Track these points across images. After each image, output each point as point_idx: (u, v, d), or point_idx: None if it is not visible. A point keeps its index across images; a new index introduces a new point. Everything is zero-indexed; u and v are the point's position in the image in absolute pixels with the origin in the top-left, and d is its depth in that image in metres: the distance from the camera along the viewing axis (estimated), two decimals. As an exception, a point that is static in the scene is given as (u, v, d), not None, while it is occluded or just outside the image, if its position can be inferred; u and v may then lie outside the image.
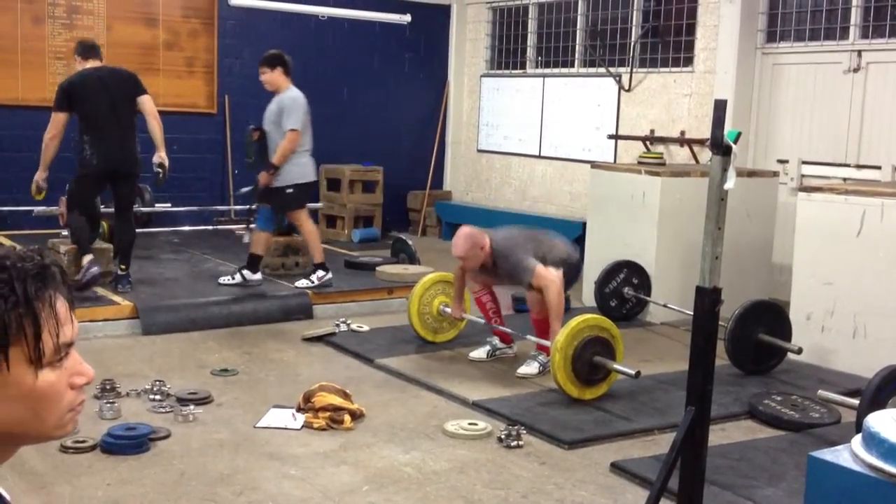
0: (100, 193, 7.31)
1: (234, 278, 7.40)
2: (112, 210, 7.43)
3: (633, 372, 5.09)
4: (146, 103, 7.00)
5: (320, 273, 7.41)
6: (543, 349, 5.78)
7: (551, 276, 5.54)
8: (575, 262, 5.94)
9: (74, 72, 7.10)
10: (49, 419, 1.28)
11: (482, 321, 6.14)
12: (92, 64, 7.02)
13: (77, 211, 7.02)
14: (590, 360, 5.15)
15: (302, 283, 7.39)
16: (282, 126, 7.10)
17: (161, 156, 7.01)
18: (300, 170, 7.23)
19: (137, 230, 8.97)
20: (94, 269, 6.80)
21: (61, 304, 1.28)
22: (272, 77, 7.31)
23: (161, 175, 7.06)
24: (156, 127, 7.01)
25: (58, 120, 6.83)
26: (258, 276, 7.44)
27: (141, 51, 10.10)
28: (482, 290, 6.04)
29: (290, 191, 7.21)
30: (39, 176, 7.11)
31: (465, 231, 5.78)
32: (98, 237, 7.53)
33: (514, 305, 7.15)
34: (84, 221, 7.05)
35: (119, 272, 7.05)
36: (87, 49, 7.11)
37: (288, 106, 7.14)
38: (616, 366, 5.19)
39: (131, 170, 7.02)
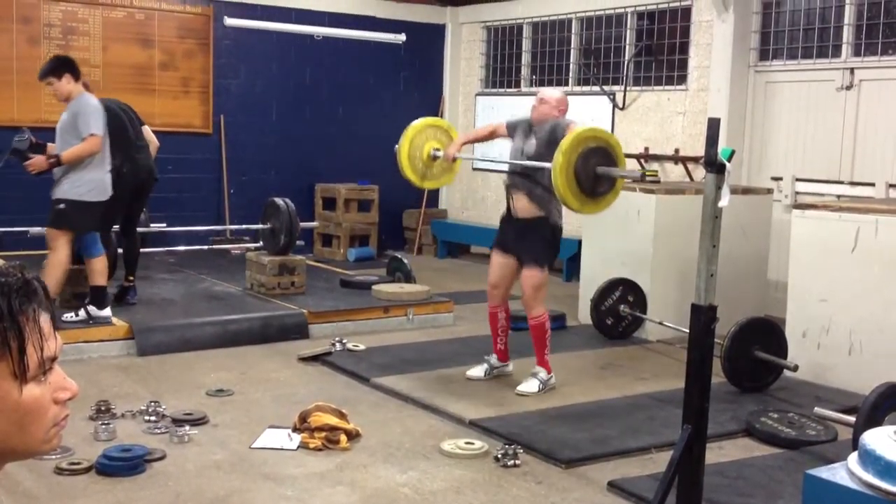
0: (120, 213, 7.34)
1: (77, 314, 6.54)
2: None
3: (637, 174, 5.04)
4: (148, 131, 7.53)
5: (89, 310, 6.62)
6: (543, 365, 5.78)
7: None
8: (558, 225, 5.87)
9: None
10: (34, 434, 1.28)
11: (477, 158, 6.02)
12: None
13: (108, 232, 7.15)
14: (592, 170, 5.04)
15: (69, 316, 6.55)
16: (79, 131, 6.31)
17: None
18: (83, 187, 6.39)
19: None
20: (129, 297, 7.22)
21: (44, 319, 1.29)
22: (61, 86, 6.38)
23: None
24: (153, 150, 7.60)
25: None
26: (106, 311, 6.63)
27: (136, 71, 10.13)
28: (500, 306, 6.00)
29: (61, 206, 6.37)
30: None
31: (558, 91, 5.90)
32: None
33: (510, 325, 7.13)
34: (115, 248, 7.34)
35: (125, 284, 7.28)
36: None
37: (83, 111, 6.34)
38: (621, 171, 5.12)
39: (147, 185, 7.41)
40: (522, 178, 5.69)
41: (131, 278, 7.35)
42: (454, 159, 6.17)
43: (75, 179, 6.37)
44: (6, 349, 1.23)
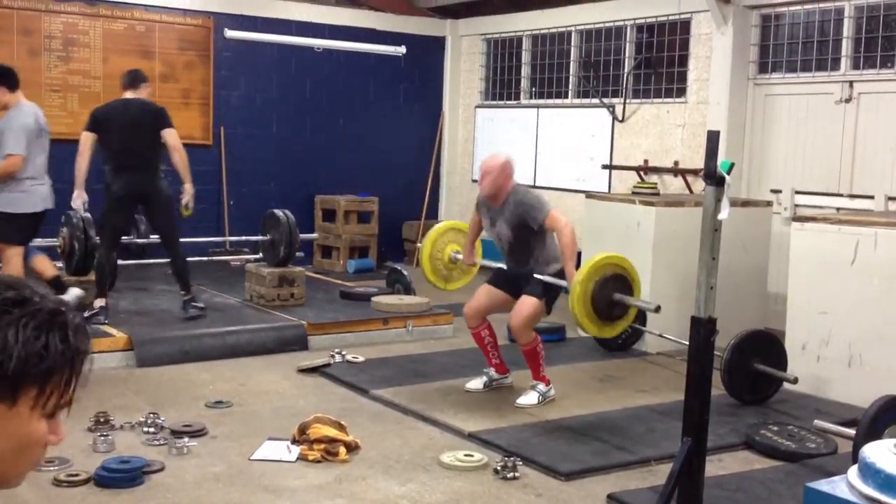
0: (126, 224, 7.37)
1: None
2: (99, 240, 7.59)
3: (652, 306, 5.09)
4: (169, 136, 7.09)
5: None
6: (541, 378, 5.77)
7: (565, 220, 5.47)
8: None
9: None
10: (22, 466, 1.28)
11: (493, 265, 6.05)
12: (129, 94, 7.17)
13: (110, 247, 7.08)
14: (609, 297, 5.11)
15: None
16: (2, 148, 6.53)
17: (185, 187, 7.20)
18: (14, 198, 6.62)
19: (132, 262, 9.03)
20: (101, 318, 6.89)
21: (87, 365, 1.29)
22: None
23: (186, 204, 7.27)
24: (178, 159, 7.12)
25: (82, 138, 7.00)
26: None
27: (137, 83, 10.14)
28: (481, 325, 5.99)
29: None
30: (75, 195, 7.07)
31: (502, 155, 5.77)
32: (94, 268, 7.51)
33: (508, 335, 7.13)
34: (114, 262, 7.21)
35: (182, 297, 7.30)
36: (126, 80, 7.23)
37: (8, 128, 6.53)
38: (636, 301, 5.18)
39: (150, 196, 7.10)
40: (513, 255, 5.74)
41: (183, 292, 7.31)
42: (473, 264, 6.22)
43: (4, 194, 6.58)
44: (51, 381, 1.23)
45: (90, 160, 7.04)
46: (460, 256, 6.17)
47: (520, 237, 5.63)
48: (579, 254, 5.72)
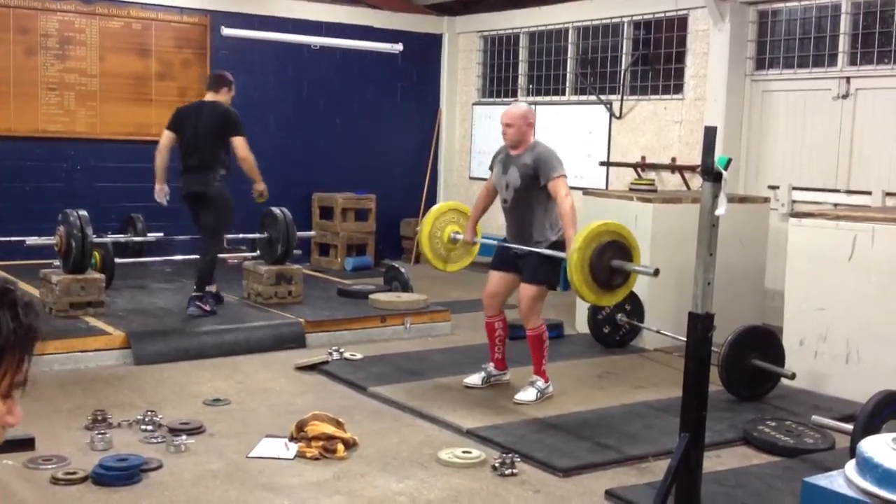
0: (195, 221, 7.67)
1: None
2: (102, 240, 7.78)
3: (651, 270, 5.09)
4: (237, 145, 7.42)
5: None
6: (540, 374, 5.78)
7: (567, 191, 5.51)
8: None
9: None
10: None
11: (495, 241, 6.07)
12: (209, 96, 7.55)
13: (218, 244, 7.61)
14: (607, 264, 5.10)
15: None
16: None
17: (255, 187, 7.72)
18: None
19: (130, 260, 9.04)
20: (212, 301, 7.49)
21: (38, 344, 1.29)
22: None
23: (261, 193, 7.77)
24: (245, 168, 7.53)
25: (162, 135, 7.58)
26: None
27: (134, 81, 10.14)
28: (497, 316, 5.99)
29: None
30: (157, 189, 7.61)
31: (521, 105, 5.88)
32: (92, 267, 7.51)
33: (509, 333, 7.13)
34: (216, 258, 7.62)
35: (192, 292, 7.46)
36: (208, 82, 7.72)
37: None
38: (634, 266, 5.17)
39: (204, 196, 7.42)
40: (515, 212, 5.74)
41: (195, 288, 7.46)
42: (474, 243, 6.20)
43: None
44: (4, 359, 1.22)
45: (168, 157, 7.54)
46: (460, 237, 6.15)
47: (528, 189, 5.62)
48: (562, 241, 5.75)
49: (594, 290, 5.15)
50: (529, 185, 5.62)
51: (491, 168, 5.97)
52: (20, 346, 1.24)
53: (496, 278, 5.95)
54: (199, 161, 7.34)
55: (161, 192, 7.61)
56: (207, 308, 7.38)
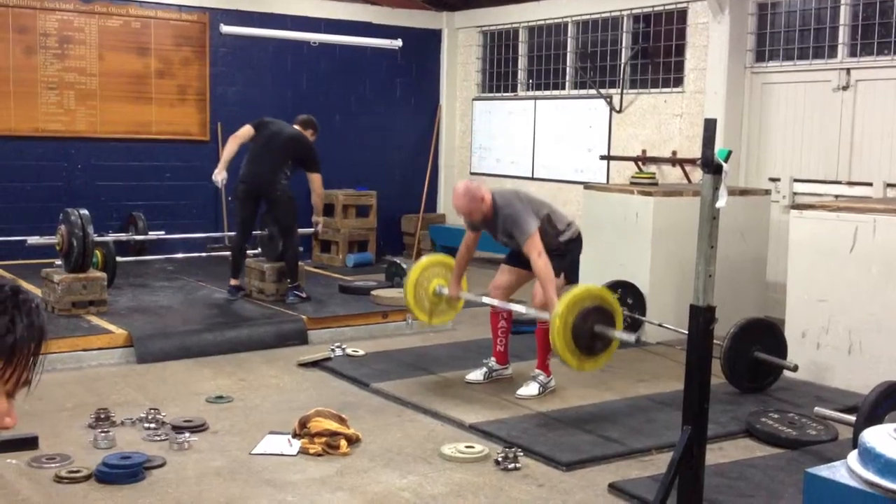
0: (249, 215, 7.99)
1: None
2: (104, 238, 7.90)
3: (632, 338, 5.08)
4: (314, 181, 8.06)
5: None
6: (543, 369, 5.77)
7: (539, 250, 5.44)
8: (575, 236, 5.90)
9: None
10: None
11: (479, 300, 6.06)
12: (297, 127, 8.11)
13: (296, 238, 7.99)
14: (590, 329, 5.11)
15: None
16: None
17: (314, 219, 8.34)
18: None
19: (131, 258, 9.06)
20: (238, 295, 7.98)
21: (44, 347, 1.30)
22: None
23: (316, 231, 8.59)
24: (316, 201, 8.25)
25: (244, 128, 8.03)
26: None
27: (133, 80, 10.14)
28: (501, 310, 6.01)
29: None
30: (217, 169, 7.97)
31: (462, 184, 5.77)
32: (93, 266, 7.52)
33: (514, 328, 7.12)
34: (298, 250, 8.02)
35: (287, 285, 7.91)
36: (302, 119, 8.21)
37: None
38: (616, 333, 5.16)
39: (263, 193, 7.87)
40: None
41: (289, 281, 7.89)
42: (458, 298, 6.16)
43: None
44: (15, 356, 1.23)
45: (237, 148, 7.93)
46: (445, 291, 6.13)
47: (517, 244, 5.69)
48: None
49: (576, 355, 5.15)
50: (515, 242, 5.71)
51: (469, 227, 5.97)
52: (30, 347, 1.25)
53: (506, 272, 5.99)
54: (262, 166, 7.82)
55: (220, 175, 7.92)
56: (304, 295, 7.84)
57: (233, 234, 8.75)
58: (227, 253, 8.56)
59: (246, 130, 7.98)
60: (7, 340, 1.23)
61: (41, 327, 1.28)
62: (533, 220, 5.56)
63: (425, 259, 6.33)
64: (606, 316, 5.18)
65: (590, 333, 5.11)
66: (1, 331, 1.22)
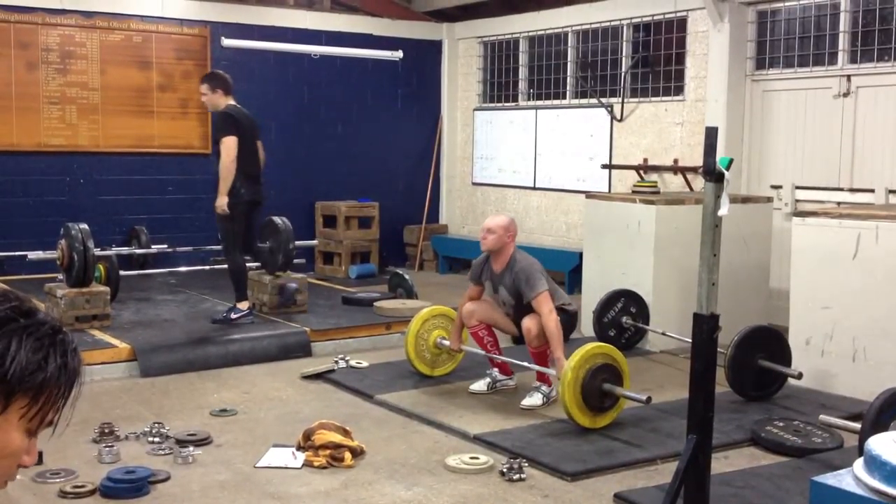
0: (247, 229, 7.51)
1: None
2: (106, 252, 7.65)
3: (643, 398, 5.09)
4: (261, 150, 7.55)
5: None
6: (544, 379, 5.77)
7: (550, 307, 5.57)
8: (574, 311, 6.08)
9: (216, 105, 7.37)
10: None
11: (481, 352, 6.13)
12: (231, 101, 7.37)
13: (237, 252, 7.41)
14: (599, 387, 5.14)
15: None
16: None
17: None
18: None
19: (134, 272, 9.06)
20: (249, 319, 7.44)
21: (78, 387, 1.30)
22: None
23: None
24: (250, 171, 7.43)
25: (232, 143, 7.15)
26: None
27: (135, 93, 10.16)
28: (478, 325, 6.02)
29: None
30: (221, 202, 7.18)
31: (504, 216, 5.94)
32: (96, 280, 7.53)
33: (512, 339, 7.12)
34: (244, 264, 7.49)
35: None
36: (230, 85, 7.40)
37: None
38: (627, 392, 5.18)
39: (263, 201, 7.59)
40: (520, 312, 5.80)
41: (246, 302, 7.57)
42: (459, 350, 6.23)
43: None
44: (43, 394, 1.23)
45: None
46: (446, 342, 6.18)
47: (522, 302, 5.74)
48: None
49: (585, 412, 5.16)
50: (521, 298, 5.75)
51: (472, 279, 6.05)
52: (59, 388, 1.25)
53: (473, 290, 6.10)
54: (258, 169, 7.45)
55: (225, 202, 7.16)
56: (236, 316, 7.54)
57: (221, 248, 8.38)
58: (221, 266, 8.46)
59: (234, 142, 7.14)
60: (37, 377, 1.22)
61: (75, 370, 1.27)
62: (545, 282, 5.66)
63: (425, 311, 6.40)
64: (615, 374, 5.24)
65: (599, 390, 5.16)
66: (32, 367, 1.22)
